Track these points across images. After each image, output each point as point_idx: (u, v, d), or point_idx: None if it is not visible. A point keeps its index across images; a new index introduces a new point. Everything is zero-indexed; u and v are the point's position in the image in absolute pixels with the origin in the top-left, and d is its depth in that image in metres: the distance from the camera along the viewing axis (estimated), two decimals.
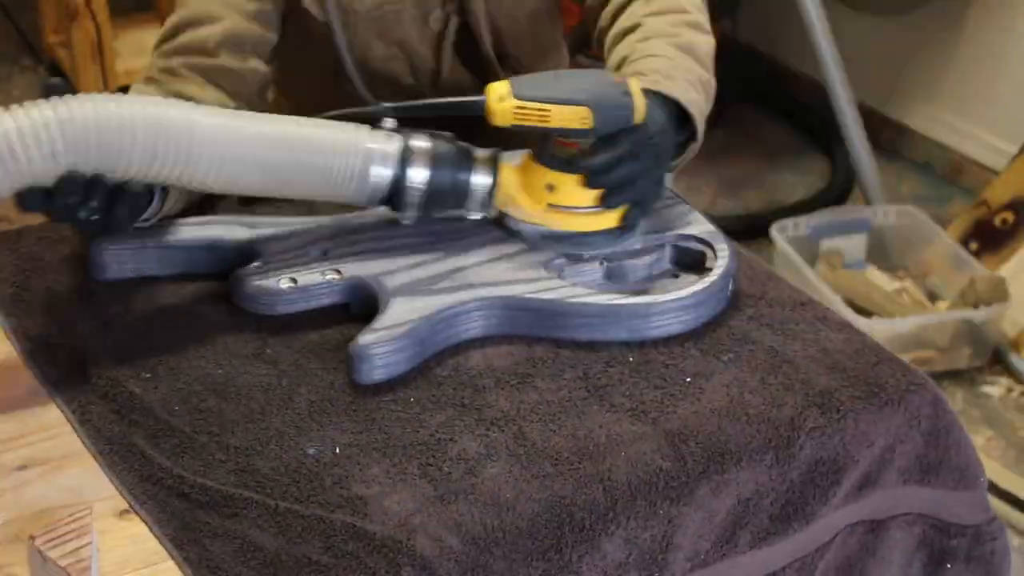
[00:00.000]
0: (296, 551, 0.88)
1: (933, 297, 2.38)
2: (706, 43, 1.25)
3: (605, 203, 1.12)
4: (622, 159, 1.10)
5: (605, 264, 1.14)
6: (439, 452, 0.96)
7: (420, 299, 1.07)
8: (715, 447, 0.98)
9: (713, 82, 1.23)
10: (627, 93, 1.09)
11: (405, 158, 1.09)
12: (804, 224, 2.42)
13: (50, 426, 1.00)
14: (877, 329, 2.17)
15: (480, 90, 1.11)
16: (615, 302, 1.09)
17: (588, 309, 1.08)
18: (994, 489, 1.92)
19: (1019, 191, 2.41)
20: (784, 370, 1.06)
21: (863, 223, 2.45)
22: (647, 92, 1.13)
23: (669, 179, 1.20)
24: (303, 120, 1.08)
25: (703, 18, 1.28)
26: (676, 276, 1.16)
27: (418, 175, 1.10)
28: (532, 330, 1.08)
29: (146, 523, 0.91)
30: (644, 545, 0.94)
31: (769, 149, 2.99)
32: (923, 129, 2.86)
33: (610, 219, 1.13)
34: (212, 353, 1.06)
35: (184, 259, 1.14)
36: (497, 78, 1.22)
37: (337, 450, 0.96)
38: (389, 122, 1.11)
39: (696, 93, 1.19)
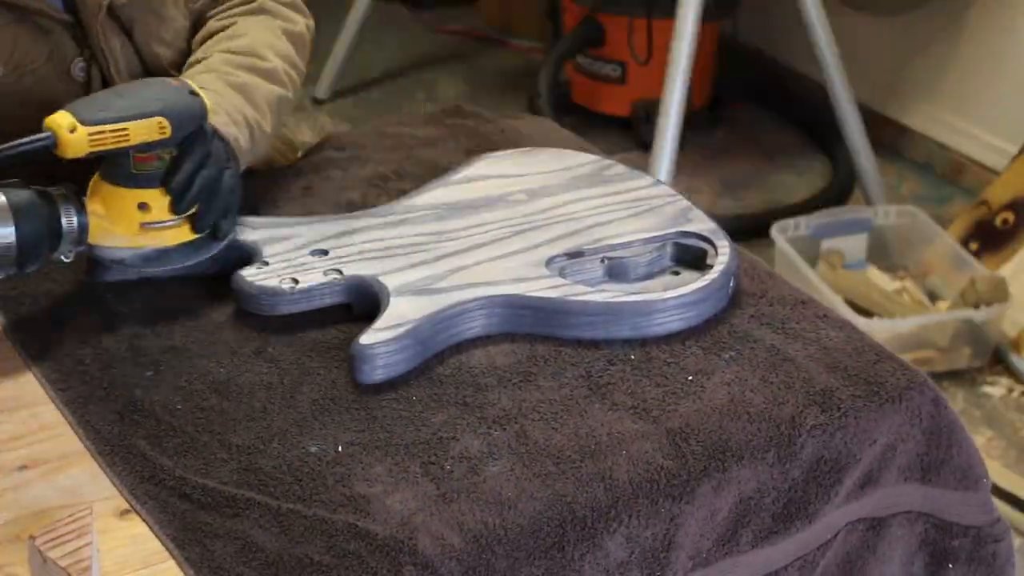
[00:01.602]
0: (298, 551, 0.88)
1: (933, 297, 2.38)
2: (271, 91, 1.25)
3: (195, 210, 1.09)
4: (204, 163, 1.08)
5: (606, 262, 1.14)
6: (441, 451, 0.96)
7: (421, 298, 1.07)
8: (716, 445, 0.98)
9: (267, 128, 1.23)
10: (194, 93, 1.07)
11: None
12: (804, 224, 2.42)
13: (50, 426, 1.00)
14: (877, 329, 2.17)
15: None
16: (616, 300, 1.09)
17: (590, 307, 1.08)
18: (995, 489, 1.92)
19: (1020, 191, 2.41)
20: (785, 368, 1.06)
21: (864, 223, 2.45)
22: None
23: (666, 176, 1.20)
24: None
25: (292, 72, 1.29)
26: (677, 273, 1.16)
27: (4, 232, 1.02)
28: (534, 328, 1.08)
29: (147, 523, 0.91)
30: (646, 544, 0.94)
31: (769, 149, 2.99)
32: (923, 129, 2.86)
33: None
34: (214, 353, 1.06)
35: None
36: None
37: (339, 449, 0.96)
38: None
39: (237, 129, 1.18)
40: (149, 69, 1.31)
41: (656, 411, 1.01)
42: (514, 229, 1.17)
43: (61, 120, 1.03)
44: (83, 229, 1.07)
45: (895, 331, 2.20)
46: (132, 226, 1.08)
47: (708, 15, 2.49)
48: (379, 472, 0.94)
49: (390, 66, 3.28)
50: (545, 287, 1.09)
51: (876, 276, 2.41)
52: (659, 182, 1.26)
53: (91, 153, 1.04)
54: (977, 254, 2.36)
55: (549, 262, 1.12)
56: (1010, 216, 2.39)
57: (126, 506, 0.92)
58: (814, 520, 1.03)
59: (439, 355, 1.06)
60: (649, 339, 1.08)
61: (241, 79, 1.23)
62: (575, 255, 1.14)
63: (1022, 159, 2.45)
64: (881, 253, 2.46)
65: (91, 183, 1.09)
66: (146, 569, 0.88)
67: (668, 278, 1.15)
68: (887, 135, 2.87)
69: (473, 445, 0.97)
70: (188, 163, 1.08)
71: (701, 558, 0.98)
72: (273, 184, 1.30)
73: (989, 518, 1.12)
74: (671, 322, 1.09)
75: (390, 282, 1.08)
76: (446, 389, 1.02)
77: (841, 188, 2.75)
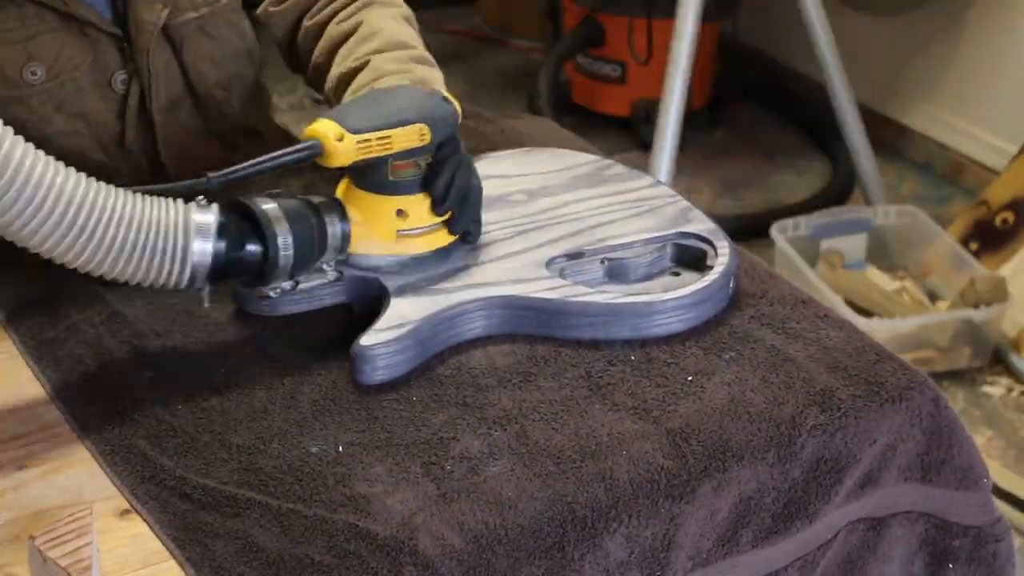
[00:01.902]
0: (298, 551, 0.88)
1: (933, 297, 2.38)
2: (440, 77, 1.24)
3: (451, 215, 1.09)
4: (458, 168, 1.09)
5: (606, 262, 1.14)
6: (441, 451, 0.96)
7: (422, 299, 1.07)
8: (716, 445, 0.98)
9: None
10: (446, 99, 1.08)
11: (265, 222, 1.01)
12: (804, 224, 2.42)
13: (50, 426, 1.00)
14: (877, 329, 2.17)
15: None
16: (617, 301, 1.09)
17: (590, 308, 1.08)
18: (995, 489, 1.92)
19: (1019, 191, 2.41)
20: (785, 368, 1.06)
21: (863, 223, 2.46)
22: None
23: (666, 176, 1.19)
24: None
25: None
26: (677, 274, 1.16)
27: (284, 240, 1.02)
28: (534, 329, 1.08)
29: (147, 523, 0.90)
30: (646, 543, 0.94)
31: (769, 149, 2.99)
32: (923, 129, 2.86)
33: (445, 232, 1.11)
34: (214, 352, 1.06)
35: None
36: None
37: (340, 449, 0.96)
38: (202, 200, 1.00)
39: None
40: (192, 87, 1.31)
41: (656, 411, 1.01)
42: (514, 229, 1.17)
43: (327, 129, 1.02)
44: (345, 237, 1.07)
45: (895, 331, 2.20)
46: (390, 233, 1.08)
47: (708, 15, 2.50)
48: (379, 472, 0.94)
49: None
50: (545, 288, 1.09)
51: (876, 276, 2.41)
52: (659, 182, 1.26)
53: (356, 162, 1.04)
54: (977, 254, 2.36)
55: (549, 263, 1.12)
56: (1010, 216, 2.40)
57: (126, 506, 0.92)
58: (814, 520, 1.03)
59: (439, 355, 1.06)
60: (649, 340, 1.08)
61: (419, 74, 1.22)
62: (575, 256, 1.14)
63: (1022, 159, 2.45)
64: (881, 253, 2.47)
65: (341, 191, 1.09)
66: (146, 569, 0.88)
67: (668, 279, 1.15)
68: (887, 135, 2.87)
69: (473, 445, 0.97)
70: (447, 168, 1.08)
71: (701, 558, 0.98)
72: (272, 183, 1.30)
73: (990, 518, 1.12)
74: (671, 323, 1.09)
75: (391, 282, 1.08)
76: (446, 389, 1.02)
77: (841, 188, 2.75)
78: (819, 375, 1.05)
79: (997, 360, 2.30)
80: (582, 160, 1.29)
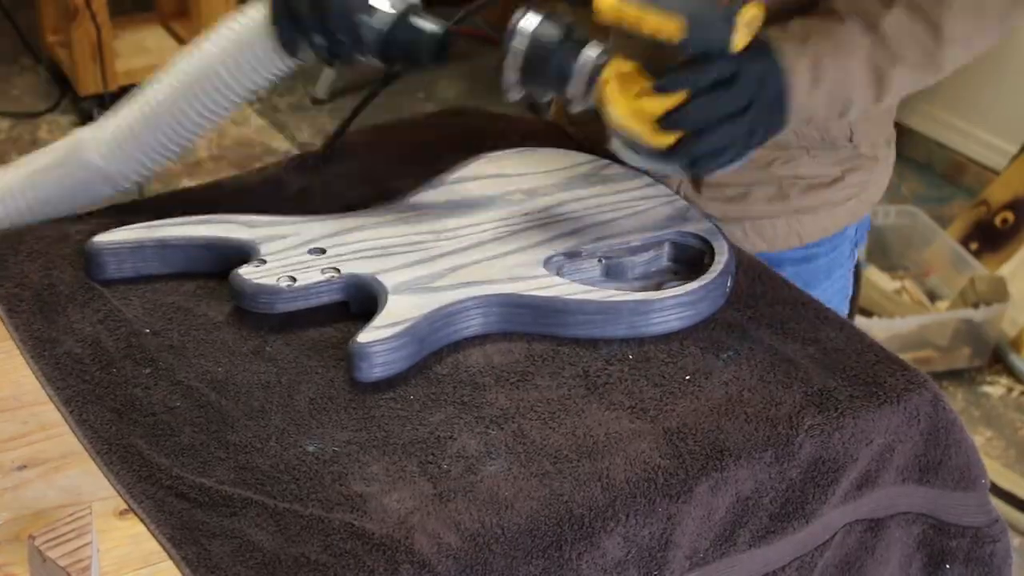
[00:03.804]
0: (295, 550, 0.88)
1: (933, 297, 2.38)
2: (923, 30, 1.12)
3: (666, 125, 1.03)
4: (702, 85, 1.02)
5: (604, 261, 1.14)
6: (438, 450, 0.96)
7: (419, 297, 1.07)
8: (714, 445, 0.98)
9: (896, 78, 1.12)
10: (730, 18, 1.00)
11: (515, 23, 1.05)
12: None
13: (50, 425, 1.00)
14: (877, 329, 2.17)
15: None
16: (614, 299, 1.09)
17: (587, 306, 1.08)
18: (994, 489, 1.92)
19: (1019, 191, 2.41)
20: (783, 368, 1.06)
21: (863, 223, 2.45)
22: (766, 46, 1.05)
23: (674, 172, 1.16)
24: None
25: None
26: (675, 273, 1.16)
27: (527, 22, 1.04)
28: (532, 327, 1.08)
29: (144, 523, 0.91)
30: (643, 543, 0.94)
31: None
32: (923, 129, 2.86)
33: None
34: (211, 351, 1.06)
35: (183, 258, 1.14)
36: None
37: (336, 448, 0.96)
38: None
39: (824, 72, 1.08)
40: None
41: (653, 411, 1.01)
42: (512, 228, 1.17)
43: None
44: (597, 69, 1.05)
45: (895, 331, 2.20)
46: (629, 106, 1.05)
47: None
48: (376, 471, 0.94)
49: None
50: (543, 286, 1.09)
51: (876, 276, 2.41)
52: (656, 182, 1.27)
53: (614, 26, 1.01)
54: (977, 254, 2.36)
55: (547, 261, 1.13)
56: (1010, 216, 2.40)
57: (125, 506, 0.92)
58: (811, 520, 1.03)
59: (437, 354, 1.06)
60: (647, 339, 1.08)
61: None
62: (573, 255, 1.14)
63: (1022, 159, 2.45)
64: (881, 253, 2.46)
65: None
66: (145, 569, 0.88)
67: (666, 277, 1.15)
68: None
69: (470, 444, 0.97)
70: (687, 72, 1.01)
71: (699, 558, 0.98)
72: (272, 183, 1.30)
73: (987, 518, 1.12)
74: (669, 321, 1.09)
75: (388, 280, 1.09)
76: (443, 388, 1.03)
77: None
78: (817, 375, 1.05)
79: (997, 360, 2.30)
80: (580, 160, 1.29)
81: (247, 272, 1.10)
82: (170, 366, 1.04)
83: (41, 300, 1.12)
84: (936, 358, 2.23)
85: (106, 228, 1.14)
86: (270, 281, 1.09)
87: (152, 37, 3.02)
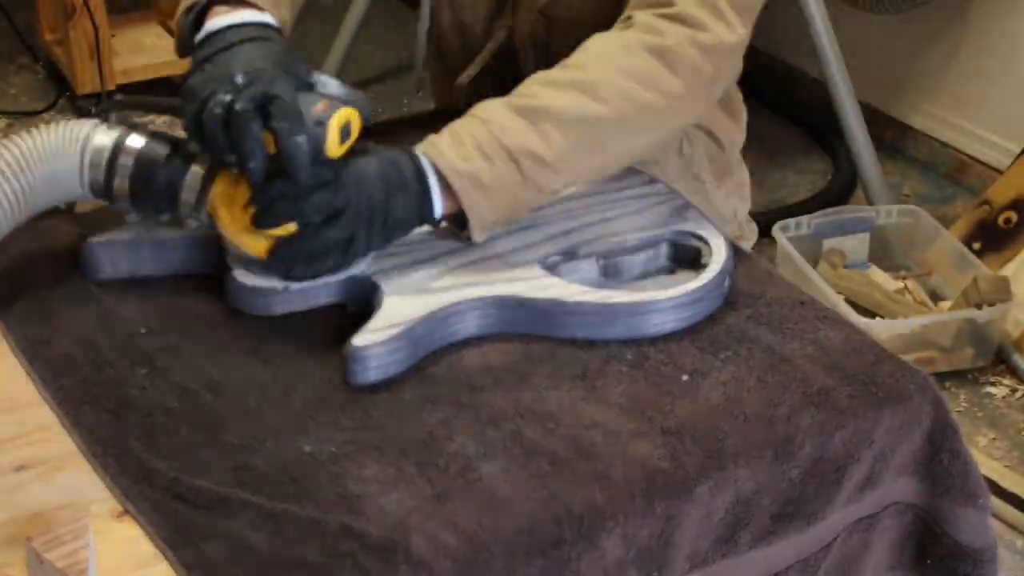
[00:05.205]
0: (291, 552, 0.87)
1: (936, 297, 2.37)
2: (598, 113, 1.10)
3: (257, 223, 1.04)
4: (289, 190, 1.02)
5: (601, 261, 1.14)
6: (436, 451, 0.96)
7: (415, 298, 1.06)
8: (713, 445, 0.98)
9: (549, 155, 1.09)
10: (320, 123, 1.02)
11: (120, 141, 1.08)
12: (806, 223, 2.41)
13: (48, 427, 1.00)
14: (879, 329, 2.16)
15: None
16: (612, 300, 1.08)
17: (585, 307, 1.08)
18: (998, 490, 1.92)
19: (1022, 190, 2.40)
20: (782, 369, 1.05)
21: (866, 222, 2.45)
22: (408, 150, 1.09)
23: (674, 178, 1.14)
24: None
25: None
26: (672, 273, 1.16)
27: (133, 140, 1.07)
28: (529, 329, 1.08)
29: (140, 525, 0.90)
30: (642, 543, 0.94)
31: (770, 148, 2.98)
32: (926, 128, 2.86)
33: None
34: (208, 352, 1.06)
35: (179, 258, 1.14)
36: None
37: (333, 448, 0.96)
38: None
39: (484, 162, 1.08)
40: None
41: (652, 411, 1.01)
42: (509, 228, 1.16)
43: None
44: (203, 187, 1.08)
45: (897, 331, 2.19)
46: (236, 220, 1.07)
47: None
48: (373, 472, 0.94)
49: (390, 64, 3.27)
50: (540, 287, 1.09)
51: (878, 276, 2.40)
52: (654, 180, 1.26)
53: None
54: (980, 254, 2.35)
55: (544, 261, 1.12)
56: (1013, 215, 2.39)
57: (122, 508, 0.92)
58: (814, 521, 1.02)
59: (434, 355, 1.06)
60: (645, 339, 1.08)
61: (543, 101, 1.11)
62: (570, 255, 1.13)
63: None
64: (883, 253, 2.46)
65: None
66: (142, 570, 0.87)
67: (664, 278, 1.15)
68: (889, 134, 2.87)
69: (468, 445, 0.97)
70: (281, 182, 1.03)
71: (699, 559, 0.98)
72: None
73: (983, 542, 1.09)
74: (667, 322, 1.09)
75: (384, 282, 1.08)
76: (441, 389, 1.02)
77: (842, 187, 2.74)
78: (816, 375, 1.05)
79: (1000, 360, 2.29)
80: None
81: (243, 273, 1.10)
82: (166, 367, 1.04)
83: (37, 301, 1.11)
84: (939, 359, 2.22)
85: (101, 228, 1.14)
86: (267, 282, 1.09)
87: (150, 36, 3.01)
